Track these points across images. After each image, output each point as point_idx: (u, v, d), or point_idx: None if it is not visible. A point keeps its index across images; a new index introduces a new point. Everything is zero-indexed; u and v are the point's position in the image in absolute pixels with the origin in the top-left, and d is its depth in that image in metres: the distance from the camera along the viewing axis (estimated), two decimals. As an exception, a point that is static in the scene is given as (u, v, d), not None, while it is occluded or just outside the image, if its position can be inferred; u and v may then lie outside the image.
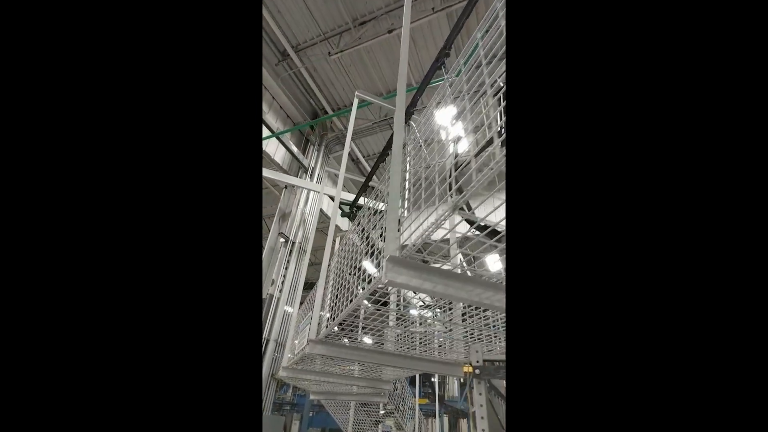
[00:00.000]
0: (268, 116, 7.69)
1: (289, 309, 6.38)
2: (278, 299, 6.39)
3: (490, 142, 0.88)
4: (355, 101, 3.17)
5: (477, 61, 1.03)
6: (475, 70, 1.05)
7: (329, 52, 7.17)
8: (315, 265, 10.89)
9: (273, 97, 7.93)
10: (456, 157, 1.14)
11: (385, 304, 1.84)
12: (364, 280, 1.44)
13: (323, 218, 9.16)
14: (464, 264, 1.58)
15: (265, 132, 7.32)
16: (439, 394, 8.83)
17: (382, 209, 1.62)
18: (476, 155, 0.91)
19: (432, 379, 11.69)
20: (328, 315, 1.90)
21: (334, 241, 2.65)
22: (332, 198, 9.30)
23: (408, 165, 1.48)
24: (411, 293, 2.05)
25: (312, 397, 5.09)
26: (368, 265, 1.55)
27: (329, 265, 2.17)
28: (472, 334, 1.91)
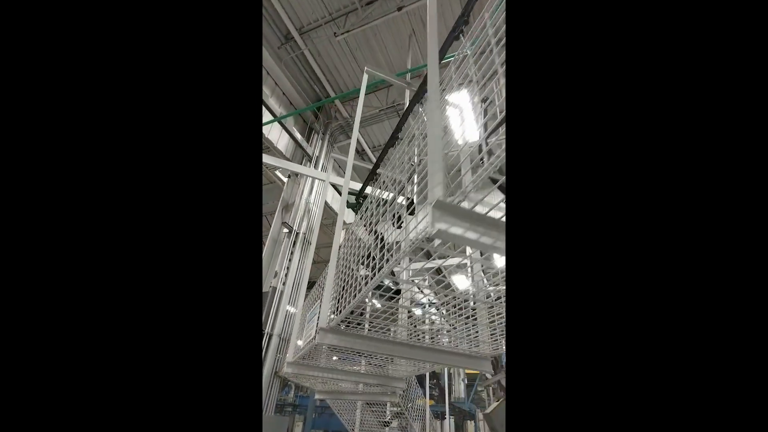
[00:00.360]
0: (271, 101, 7.71)
1: (292, 309, 6.43)
2: (282, 292, 6.45)
3: (501, 123, 0.91)
4: (365, 77, 3.05)
5: (486, 41, 1.05)
6: (482, 53, 1.07)
7: (335, 33, 7.17)
8: (318, 263, 10.98)
9: (275, 83, 7.95)
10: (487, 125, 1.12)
11: (391, 298, 1.85)
12: (371, 268, 1.46)
13: (327, 213, 9.22)
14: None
15: (267, 117, 7.34)
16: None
17: (389, 199, 1.64)
18: (487, 138, 0.95)
19: (439, 381, 11.74)
20: (333, 316, 1.90)
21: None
22: (339, 192, 9.35)
23: (415, 153, 1.49)
24: (415, 288, 2.05)
25: (317, 396, 5.08)
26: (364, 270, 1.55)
27: (339, 247, 2.18)
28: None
